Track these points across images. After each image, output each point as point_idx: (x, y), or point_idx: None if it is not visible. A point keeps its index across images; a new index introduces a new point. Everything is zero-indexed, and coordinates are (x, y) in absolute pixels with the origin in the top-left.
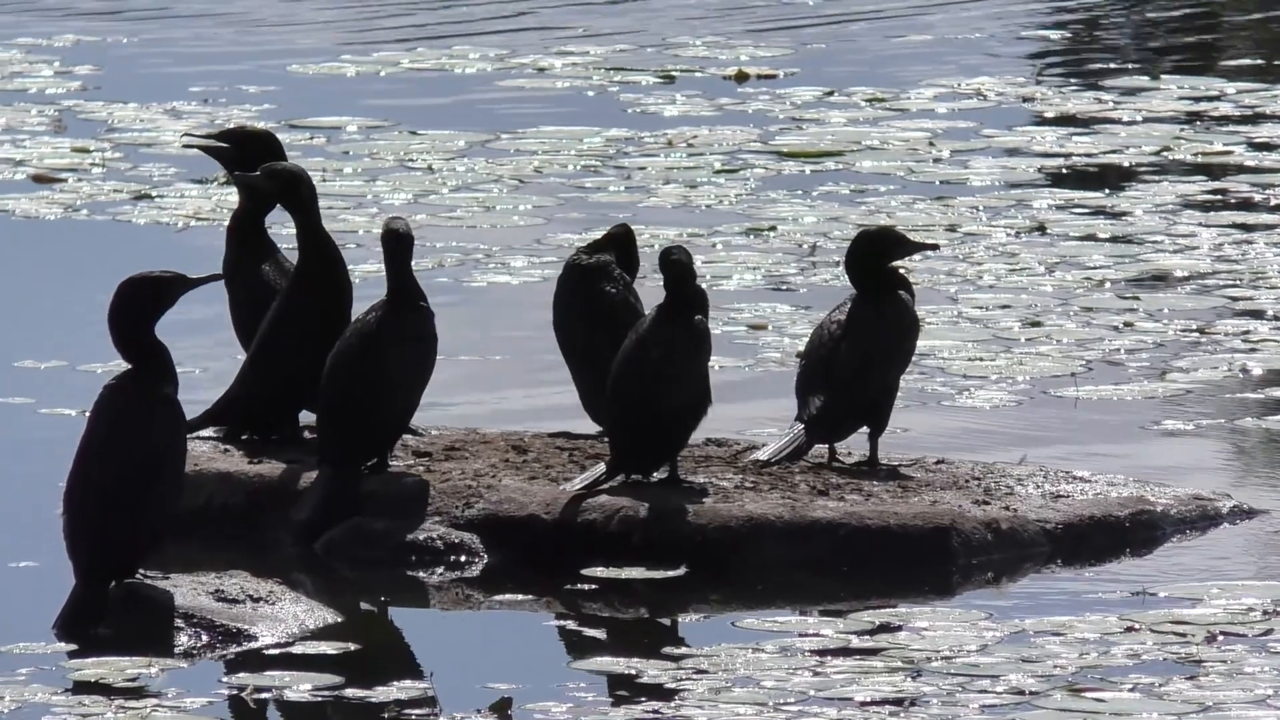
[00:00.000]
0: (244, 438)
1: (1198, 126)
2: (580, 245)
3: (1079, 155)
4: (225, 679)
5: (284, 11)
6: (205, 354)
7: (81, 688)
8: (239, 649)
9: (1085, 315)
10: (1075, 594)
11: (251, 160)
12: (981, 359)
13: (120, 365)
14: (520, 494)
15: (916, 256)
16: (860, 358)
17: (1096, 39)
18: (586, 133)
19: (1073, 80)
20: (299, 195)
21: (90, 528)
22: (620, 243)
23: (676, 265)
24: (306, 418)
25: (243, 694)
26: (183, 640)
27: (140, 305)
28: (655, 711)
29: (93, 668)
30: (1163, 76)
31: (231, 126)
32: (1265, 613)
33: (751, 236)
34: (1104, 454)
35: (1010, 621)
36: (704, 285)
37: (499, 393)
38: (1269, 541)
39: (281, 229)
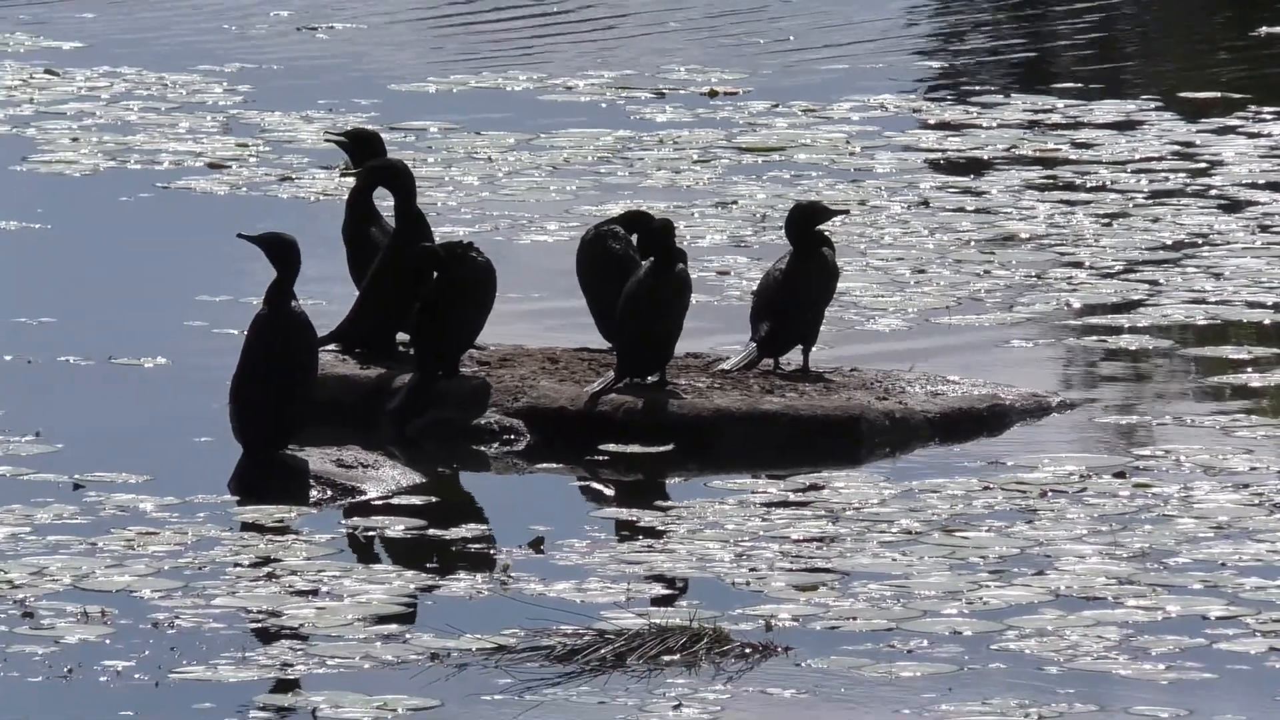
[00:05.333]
0: (356, 351)
1: (1036, 131)
2: (600, 219)
3: (953, 151)
4: (343, 522)
5: (387, 49)
6: (330, 291)
7: (244, 527)
8: (353, 501)
9: (956, 265)
10: (948, 463)
11: (364, 152)
12: (882, 296)
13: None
14: (553, 391)
15: (836, 220)
16: (796, 295)
17: (965, 68)
18: (601, 134)
19: (948, 97)
20: (393, 181)
21: (251, 413)
22: (628, 220)
23: (668, 228)
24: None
25: (356, 532)
26: (314, 494)
27: (294, 256)
28: (649, 546)
29: (251, 513)
30: (1012, 95)
31: (350, 128)
32: (1081, 476)
33: (719, 208)
34: (969, 364)
35: (902, 483)
36: (684, 243)
37: (538, 319)
38: (1085, 426)
39: (385, 201)
